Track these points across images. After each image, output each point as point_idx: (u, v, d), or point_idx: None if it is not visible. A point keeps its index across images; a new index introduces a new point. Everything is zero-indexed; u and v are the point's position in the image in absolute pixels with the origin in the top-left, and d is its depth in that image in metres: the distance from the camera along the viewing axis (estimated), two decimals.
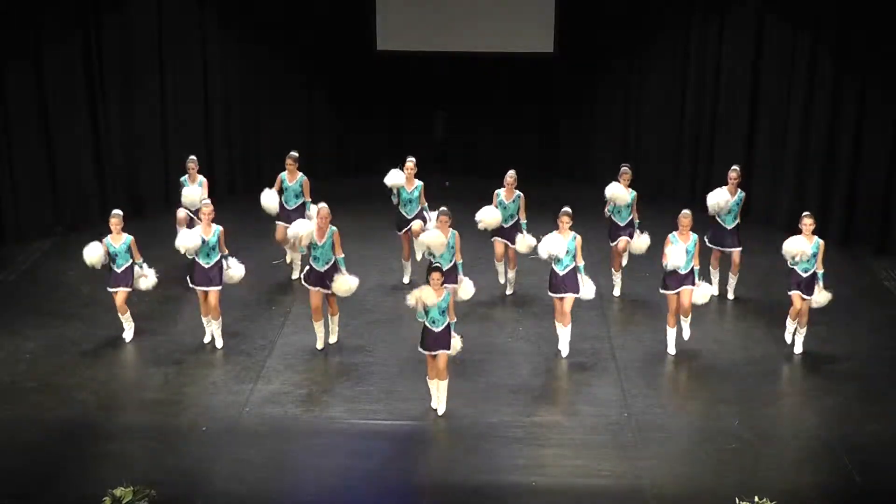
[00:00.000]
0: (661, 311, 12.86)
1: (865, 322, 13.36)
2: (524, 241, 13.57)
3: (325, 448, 10.50)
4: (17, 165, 15.92)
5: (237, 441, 10.56)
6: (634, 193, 13.74)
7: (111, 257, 12.37)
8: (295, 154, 14.29)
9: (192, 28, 17.64)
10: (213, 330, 12.53)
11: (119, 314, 12.56)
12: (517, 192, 13.61)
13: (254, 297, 13.89)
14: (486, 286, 13.86)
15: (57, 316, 13.38)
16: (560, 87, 19.24)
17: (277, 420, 10.95)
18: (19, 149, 15.88)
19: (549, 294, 12.37)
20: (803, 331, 12.36)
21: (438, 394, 11.02)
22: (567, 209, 12.17)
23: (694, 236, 12.17)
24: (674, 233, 12.20)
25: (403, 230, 14.16)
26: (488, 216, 13.47)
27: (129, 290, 12.51)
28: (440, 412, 11.00)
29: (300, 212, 13.98)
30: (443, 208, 12.36)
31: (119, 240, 12.37)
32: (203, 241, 12.18)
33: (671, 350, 12.42)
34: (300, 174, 14.22)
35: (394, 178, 14.12)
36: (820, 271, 12.15)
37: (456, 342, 10.96)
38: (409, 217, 14.09)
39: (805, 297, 12.15)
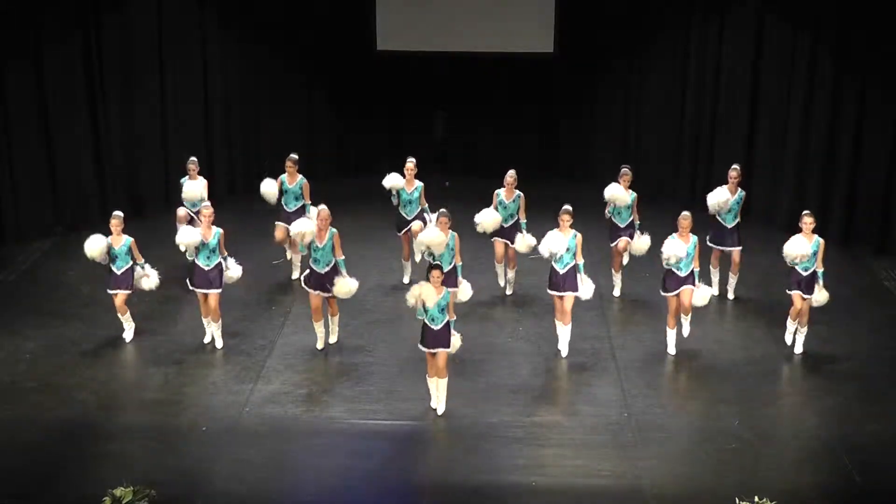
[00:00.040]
0: (661, 311, 12.86)
1: (865, 322, 13.36)
2: (524, 241, 13.57)
3: (325, 448, 10.50)
4: (17, 165, 15.92)
5: (237, 441, 10.56)
6: (635, 195, 13.73)
7: (111, 258, 12.38)
8: (295, 156, 14.26)
9: (192, 28, 17.64)
10: (213, 331, 12.54)
11: (119, 314, 12.56)
12: (517, 191, 13.61)
13: (254, 297, 13.89)
14: (486, 286, 13.87)
15: (57, 316, 13.38)
16: (560, 87, 19.24)
17: (277, 420, 10.94)
18: (19, 149, 15.89)
19: (549, 292, 12.38)
20: (804, 330, 12.36)
21: (438, 392, 11.02)
22: (567, 207, 12.17)
23: (694, 238, 12.16)
24: (674, 234, 12.19)
25: (403, 231, 14.17)
26: (487, 219, 13.46)
27: (128, 292, 12.51)
28: (439, 411, 11.01)
29: (300, 214, 13.94)
30: (442, 210, 12.35)
31: (119, 241, 12.36)
32: (203, 244, 12.19)
33: (671, 350, 12.42)
34: (300, 177, 14.20)
35: (392, 180, 14.11)
36: (820, 270, 12.15)
37: (455, 340, 10.97)
38: (410, 218, 14.08)
39: (805, 296, 12.16)
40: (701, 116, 17.81)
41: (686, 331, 12.48)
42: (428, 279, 10.72)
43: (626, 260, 14.13)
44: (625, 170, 13.79)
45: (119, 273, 12.40)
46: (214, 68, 18.04)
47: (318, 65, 19.13)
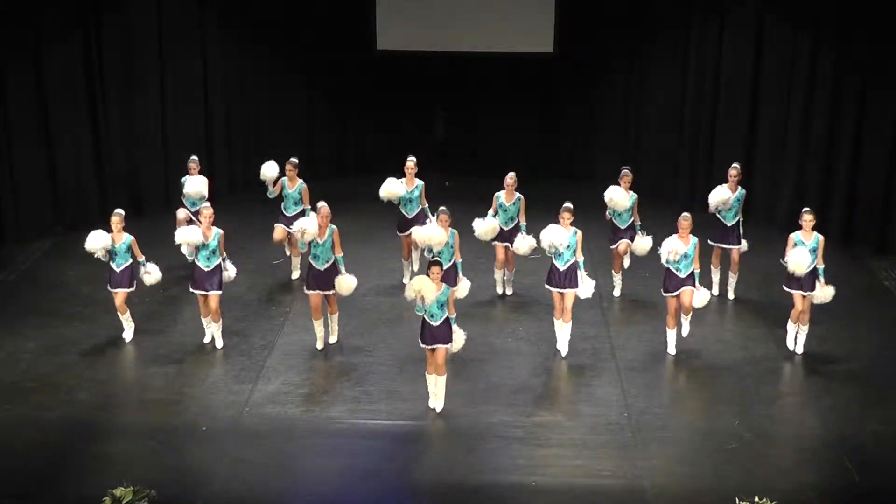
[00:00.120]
0: (661, 311, 12.86)
1: (865, 322, 13.35)
2: (524, 242, 13.53)
3: (325, 448, 10.49)
4: (17, 165, 15.93)
5: (237, 441, 10.56)
6: (635, 197, 13.70)
7: (111, 255, 12.38)
8: (295, 160, 14.21)
9: (192, 28, 17.64)
10: (213, 331, 12.53)
11: (119, 314, 12.56)
12: (517, 194, 13.58)
13: (254, 297, 13.89)
14: (486, 286, 13.87)
15: (57, 316, 13.38)
16: (560, 87, 19.25)
17: (277, 420, 10.94)
18: (19, 149, 15.89)
19: (548, 288, 12.36)
20: (805, 328, 12.34)
21: (436, 389, 11.01)
22: (568, 204, 12.15)
23: (694, 239, 12.15)
24: (674, 235, 12.18)
25: (405, 233, 14.11)
26: (484, 228, 13.40)
27: (128, 290, 12.52)
28: (438, 409, 11.01)
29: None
30: (442, 208, 12.37)
31: (119, 239, 12.37)
32: (203, 244, 12.19)
33: (671, 350, 12.42)
34: (300, 181, 14.16)
35: (388, 188, 13.98)
36: (820, 266, 12.15)
37: (458, 337, 10.97)
38: (410, 217, 14.05)
39: (805, 294, 12.15)
40: (701, 116, 17.80)
41: (686, 331, 12.48)
42: (428, 275, 10.73)
43: (627, 262, 14.11)
44: (625, 171, 13.78)
45: (118, 271, 12.40)
46: (214, 68, 18.04)
47: (318, 65, 19.13)
